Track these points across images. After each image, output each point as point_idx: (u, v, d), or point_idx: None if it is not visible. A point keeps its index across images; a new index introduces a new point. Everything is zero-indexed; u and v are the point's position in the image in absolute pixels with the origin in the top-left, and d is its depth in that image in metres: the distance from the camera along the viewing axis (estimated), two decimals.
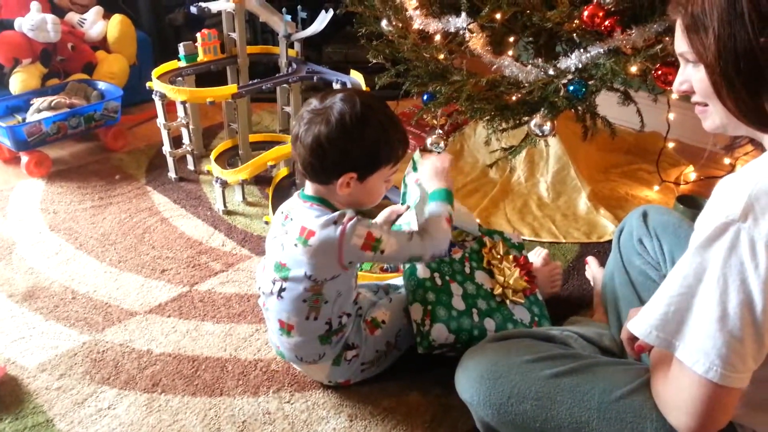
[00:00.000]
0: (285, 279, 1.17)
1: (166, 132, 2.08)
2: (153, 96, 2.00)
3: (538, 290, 1.43)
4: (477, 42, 1.66)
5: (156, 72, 2.04)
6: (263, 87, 2.02)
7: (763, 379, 0.79)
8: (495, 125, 1.83)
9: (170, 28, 2.93)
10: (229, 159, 2.13)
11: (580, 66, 1.55)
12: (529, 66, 1.62)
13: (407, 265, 1.31)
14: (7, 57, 2.27)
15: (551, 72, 1.59)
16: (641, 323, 0.81)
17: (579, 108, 1.70)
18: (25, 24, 2.28)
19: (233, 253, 1.76)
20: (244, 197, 2.03)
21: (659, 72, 1.45)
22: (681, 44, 0.82)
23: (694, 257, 0.75)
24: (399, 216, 1.42)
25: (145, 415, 1.23)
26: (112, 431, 1.20)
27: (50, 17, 2.31)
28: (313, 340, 1.21)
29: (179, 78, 2.09)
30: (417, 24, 1.78)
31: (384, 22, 1.88)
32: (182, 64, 2.13)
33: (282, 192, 1.96)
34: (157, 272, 1.67)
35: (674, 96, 1.89)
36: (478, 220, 1.87)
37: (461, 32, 1.69)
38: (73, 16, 2.56)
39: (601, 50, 1.51)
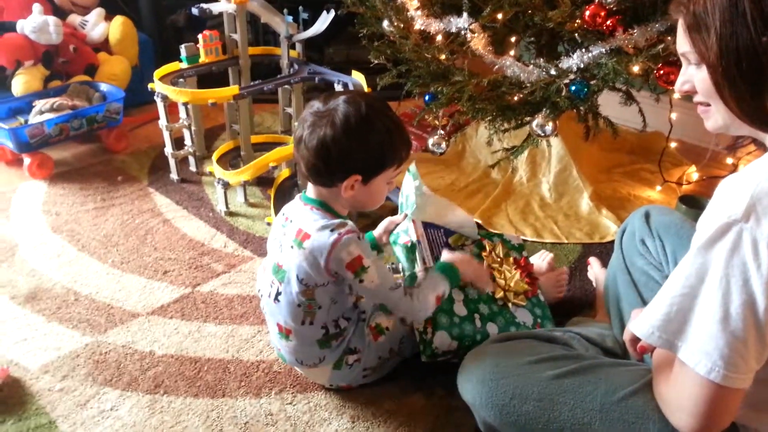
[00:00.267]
0: (281, 282, 1.17)
1: (168, 133, 2.08)
2: (155, 97, 2.01)
3: (540, 292, 1.42)
4: (478, 42, 1.66)
5: (158, 73, 2.05)
6: (265, 88, 2.02)
7: (766, 380, 0.79)
8: (497, 125, 1.82)
9: (172, 29, 2.93)
10: (231, 160, 2.13)
11: (582, 66, 1.55)
12: (531, 66, 1.62)
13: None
14: (10, 59, 2.28)
15: (553, 72, 1.59)
16: (643, 324, 0.81)
17: (581, 108, 1.70)
18: (27, 26, 2.29)
19: (235, 254, 1.76)
20: (246, 198, 2.03)
21: (661, 71, 1.45)
22: (683, 44, 0.81)
23: (696, 257, 0.75)
24: (397, 225, 1.42)
25: (148, 417, 1.23)
26: None
27: (52, 19, 2.32)
28: (312, 344, 1.21)
29: (181, 79, 2.10)
30: (418, 24, 1.78)
31: (385, 23, 1.88)
32: (184, 65, 2.13)
33: (284, 193, 1.96)
34: (159, 273, 1.67)
35: (676, 95, 1.89)
36: (478, 221, 1.87)
37: (463, 32, 1.69)
38: (74, 18, 2.56)
39: (603, 50, 1.51)
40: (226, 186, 1.91)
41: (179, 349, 1.41)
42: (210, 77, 2.22)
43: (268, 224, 1.88)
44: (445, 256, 1.33)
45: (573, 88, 1.54)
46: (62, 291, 1.59)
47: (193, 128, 2.17)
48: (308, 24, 2.14)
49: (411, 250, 1.37)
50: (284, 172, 2.03)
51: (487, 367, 1.03)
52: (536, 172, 2.10)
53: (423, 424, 1.22)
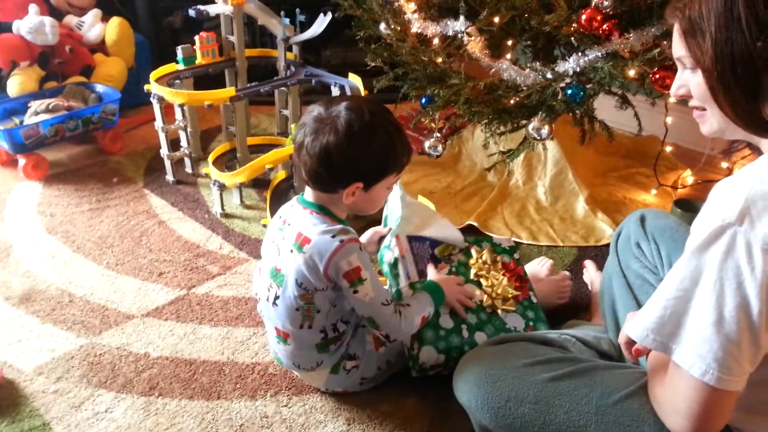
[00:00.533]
0: (279, 285, 1.16)
1: (164, 135, 2.08)
2: (151, 99, 2.00)
3: (533, 294, 1.40)
4: (475, 45, 1.66)
5: (154, 75, 2.04)
6: (261, 90, 2.02)
7: (760, 382, 0.80)
8: (493, 129, 1.83)
9: (168, 31, 2.93)
10: (227, 162, 2.13)
11: (578, 69, 1.55)
12: (527, 69, 1.63)
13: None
14: (5, 60, 2.27)
15: (549, 75, 1.59)
16: (638, 326, 0.81)
17: (577, 111, 1.70)
18: (23, 27, 2.28)
19: (231, 256, 1.76)
20: (241, 200, 2.03)
21: (657, 76, 1.46)
22: (678, 48, 0.82)
23: (691, 260, 0.75)
24: (382, 238, 1.42)
25: (143, 419, 1.23)
26: None
27: (48, 20, 2.31)
28: (310, 348, 1.20)
29: (177, 81, 2.10)
30: (415, 27, 1.78)
31: (382, 26, 1.89)
32: (180, 67, 2.13)
33: (280, 195, 1.96)
34: (154, 275, 1.67)
35: (672, 100, 1.90)
36: (473, 223, 1.87)
37: (459, 36, 1.70)
38: (71, 19, 2.56)
39: (599, 54, 1.52)
40: (222, 188, 1.91)
41: (174, 351, 1.41)
42: (206, 79, 2.22)
43: (264, 226, 1.88)
44: (431, 275, 1.32)
45: (569, 91, 1.55)
46: (57, 292, 1.59)
47: (189, 130, 2.16)
48: (305, 26, 2.15)
49: (394, 265, 1.36)
50: (280, 174, 2.03)
51: (482, 369, 1.03)
52: (532, 176, 2.11)
53: (419, 427, 1.22)
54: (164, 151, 2.12)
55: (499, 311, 1.32)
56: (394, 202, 1.52)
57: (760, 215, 0.70)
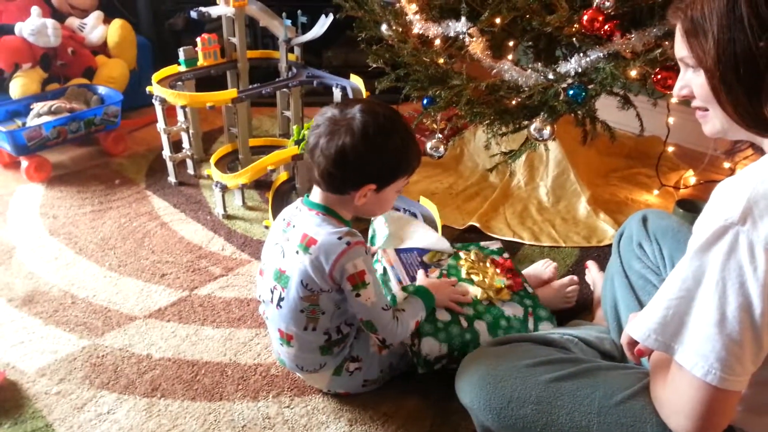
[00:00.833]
0: (284, 287, 1.16)
1: (166, 136, 2.08)
2: (153, 100, 2.01)
3: (527, 285, 1.42)
4: (477, 46, 1.66)
5: (156, 76, 2.05)
6: (263, 91, 2.02)
7: (763, 382, 0.79)
8: (495, 129, 1.83)
9: (170, 32, 2.94)
10: (229, 163, 2.13)
11: (580, 70, 1.55)
12: (529, 70, 1.63)
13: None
14: (8, 62, 2.28)
15: (551, 76, 1.59)
16: (640, 327, 0.81)
17: (579, 112, 1.70)
18: (25, 29, 2.29)
19: (233, 257, 1.76)
20: (243, 201, 2.03)
21: (659, 76, 1.46)
22: (681, 49, 0.82)
23: (693, 260, 0.75)
24: (373, 254, 1.44)
25: (145, 420, 1.23)
26: None
27: (50, 22, 2.32)
28: (314, 350, 1.20)
29: (179, 82, 2.10)
30: (417, 28, 1.78)
31: (384, 27, 1.89)
32: (182, 68, 2.13)
33: (282, 196, 1.96)
34: (156, 277, 1.67)
35: (674, 100, 1.90)
36: (475, 224, 1.87)
37: (461, 37, 1.70)
38: (73, 21, 2.56)
39: (601, 54, 1.52)
40: (224, 189, 1.91)
41: (176, 352, 1.41)
42: (208, 80, 2.22)
43: (266, 227, 1.88)
44: (421, 279, 1.35)
45: (571, 92, 1.55)
46: (59, 294, 1.59)
47: (191, 131, 2.17)
48: (307, 28, 2.15)
49: (384, 274, 1.41)
50: (282, 176, 2.03)
51: (484, 370, 1.03)
52: (534, 176, 2.11)
53: (420, 428, 1.22)
54: (166, 152, 2.12)
55: (495, 302, 1.33)
56: (378, 221, 1.59)
57: (763, 215, 0.70)
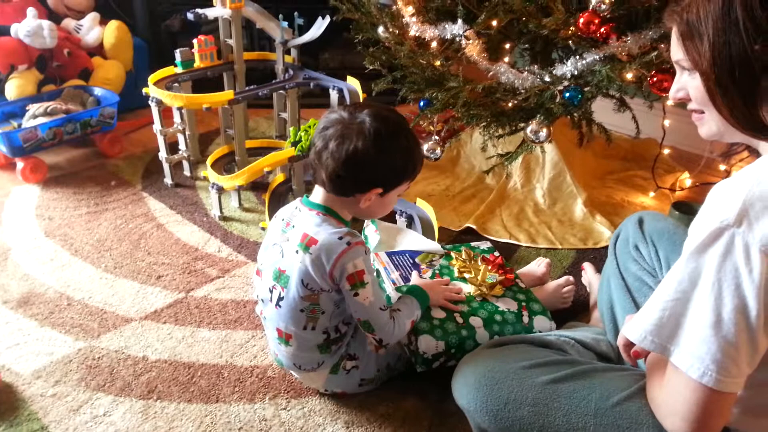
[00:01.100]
0: (284, 287, 1.16)
1: (163, 138, 2.08)
2: (149, 102, 2.00)
3: (519, 281, 1.44)
4: (473, 49, 1.67)
5: (152, 78, 2.04)
6: (260, 93, 2.02)
7: (760, 384, 0.80)
8: (491, 131, 1.83)
9: (167, 34, 2.94)
10: (225, 165, 2.13)
11: (576, 73, 1.55)
12: (525, 73, 1.63)
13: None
14: (3, 63, 2.27)
15: (547, 79, 1.60)
16: (636, 328, 0.81)
17: (575, 114, 1.71)
18: (21, 30, 2.28)
19: (229, 259, 1.76)
20: (240, 203, 2.02)
21: (654, 79, 1.46)
22: (676, 52, 0.82)
23: (689, 262, 0.75)
24: None
25: (141, 422, 1.23)
26: None
27: (46, 23, 2.31)
28: (312, 349, 1.21)
29: (176, 84, 2.10)
30: (413, 31, 1.78)
31: (380, 29, 1.89)
32: (179, 70, 2.13)
33: (278, 198, 1.96)
34: (152, 278, 1.66)
35: (669, 102, 1.91)
36: (472, 226, 1.88)
37: (457, 39, 1.70)
38: (69, 22, 2.56)
39: (597, 57, 1.52)
40: (221, 191, 1.91)
41: (173, 354, 1.40)
42: (205, 82, 2.22)
43: (263, 229, 1.88)
44: (414, 279, 1.37)
45: (567, 94, 1.55)
46: (55, 296, 1.59)
47: (187, 133, 2.16)
48: (303, 29, 2.15)
49: (377, 276, 1.42)
50: (279, 177, 2.03)
51: (481, 372, 1.03)
52: (530, 178, 2.11)
53: (418, 429, 1.22)
54: (162, 154, 2.11)
55: (489, 297, 1.36)
56: (369, 229, 1.62)
57: (758, 217, 0.70)
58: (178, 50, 2.11)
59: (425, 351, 1.22)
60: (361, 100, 1.98)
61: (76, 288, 1.62)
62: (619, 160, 2.35)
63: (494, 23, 1.66)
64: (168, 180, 2.15)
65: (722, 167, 2.17)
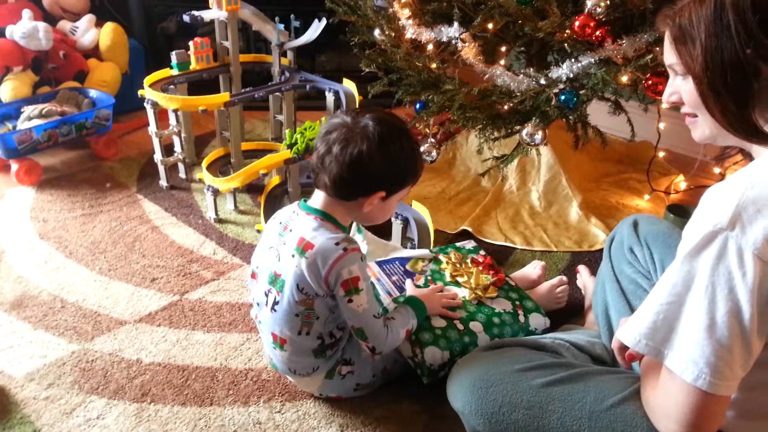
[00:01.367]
0: (279, 291, 1.16)
1: (158, 140, 2.07)
2: (145, 104, 2.00)
3: (509, 279, 1.44)
4: (469, 51, 1.67)
5: (148, 80, 2.04)
6: (256, 95, 2.02)
7: (754, 387, 0.80)
8: (487, 134, 1.83)
9: (162, 36, 2.93)
10: (221, 167, 2.13)
11: (572, 75, 1.56)
12: (521, 75, 1.63)
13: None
14: None
15: (543, 81, 1.60)
16: (630, 332, 0.81)
17: (570, 117, 1.71)
18: (16, 32, 2.27)
19: (224, 261, 1.75)
20: (235, 205, 2.02)
21: (649, 82, 1.47)
22: (669, 56, 0.82)
23: (683, 265, 0.75)
24: None
25: (135, 425, 1.22)
26: None
27: (42, 25, 2.31)
28: (307, 354, 1.20)
29: (171, 86, 2.09)
30: (409, 33, 1.79)
31: (377, 32, 1.89)
32: (174, 72, 2.13)
33: (274, 200, 1.96)
34: (147, 281, 1.66)
35: (664, 106, 1.91)
36: (468, 228, 1.88)
37: (453, 42, 1.70)
38: (65, 24, 2.55)
39: (592, 60, 1.52)
40: (216, 193, 1.91)
41: (167, 357, 1.40)
42: (201, 84, 2.22)
43: (258, 231, 1.88)
44: (409, 289, 1.37)
45: (562, 97, 1.56)
46: (49, 298, 1.58)
47: (183, 135, 2.16)
48: (300, 32, 2.15)
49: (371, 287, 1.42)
50: (274, 180, 2.03)
51: (476, 375, 1.03)
52: (526, 181, 2.11)
53: None
54: (158, 156, 2.11)
55: (484, 300, 1.36)
56: (356, 239, 1.61)
57: (751, 220, 0.70)
58: (173, 52, 2.11)
59: (432, 363, 1.22)
60: (357, 103, 1.98)
61: (70, 290, 1.61)
62: (614, 162, 2.35)
63: (490, 26, 1.66)
64: (163, 182, 2.15)
65: (717, 170, 2.17)
